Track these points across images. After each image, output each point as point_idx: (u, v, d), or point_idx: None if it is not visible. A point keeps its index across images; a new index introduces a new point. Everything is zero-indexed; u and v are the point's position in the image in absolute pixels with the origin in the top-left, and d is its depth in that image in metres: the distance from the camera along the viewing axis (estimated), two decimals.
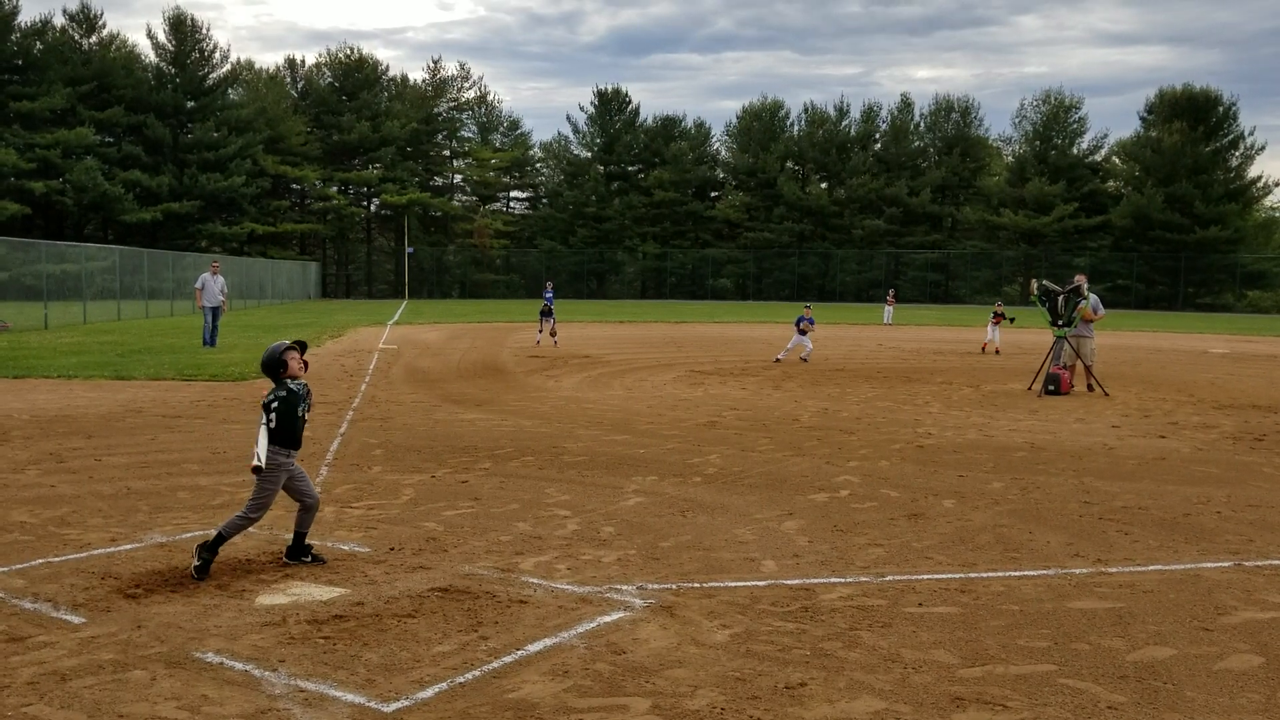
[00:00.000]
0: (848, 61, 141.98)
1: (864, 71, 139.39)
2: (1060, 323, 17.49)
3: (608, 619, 5.60)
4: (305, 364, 6.64)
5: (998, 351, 26.37)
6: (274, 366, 6.51)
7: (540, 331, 27.41)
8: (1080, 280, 17.53)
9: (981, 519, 8.09)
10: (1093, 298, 17.70)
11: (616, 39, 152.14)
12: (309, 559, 6.55)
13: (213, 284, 25.16)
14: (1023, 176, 76.52)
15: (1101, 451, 11.41)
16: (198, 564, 6.20)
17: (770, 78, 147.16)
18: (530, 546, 7.09)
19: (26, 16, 75.50)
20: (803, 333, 22.91)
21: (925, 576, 6.52)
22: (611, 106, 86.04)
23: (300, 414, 6.48)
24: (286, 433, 6.41)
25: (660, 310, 55.90)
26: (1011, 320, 28.04)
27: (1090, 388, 17.44)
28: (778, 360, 22.86)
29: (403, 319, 41.54)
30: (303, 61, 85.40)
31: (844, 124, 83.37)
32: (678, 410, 14.48)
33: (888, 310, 43.87)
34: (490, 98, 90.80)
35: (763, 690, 4.67)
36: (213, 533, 6.47)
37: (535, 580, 6.29)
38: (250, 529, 6.64)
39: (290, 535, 6.71)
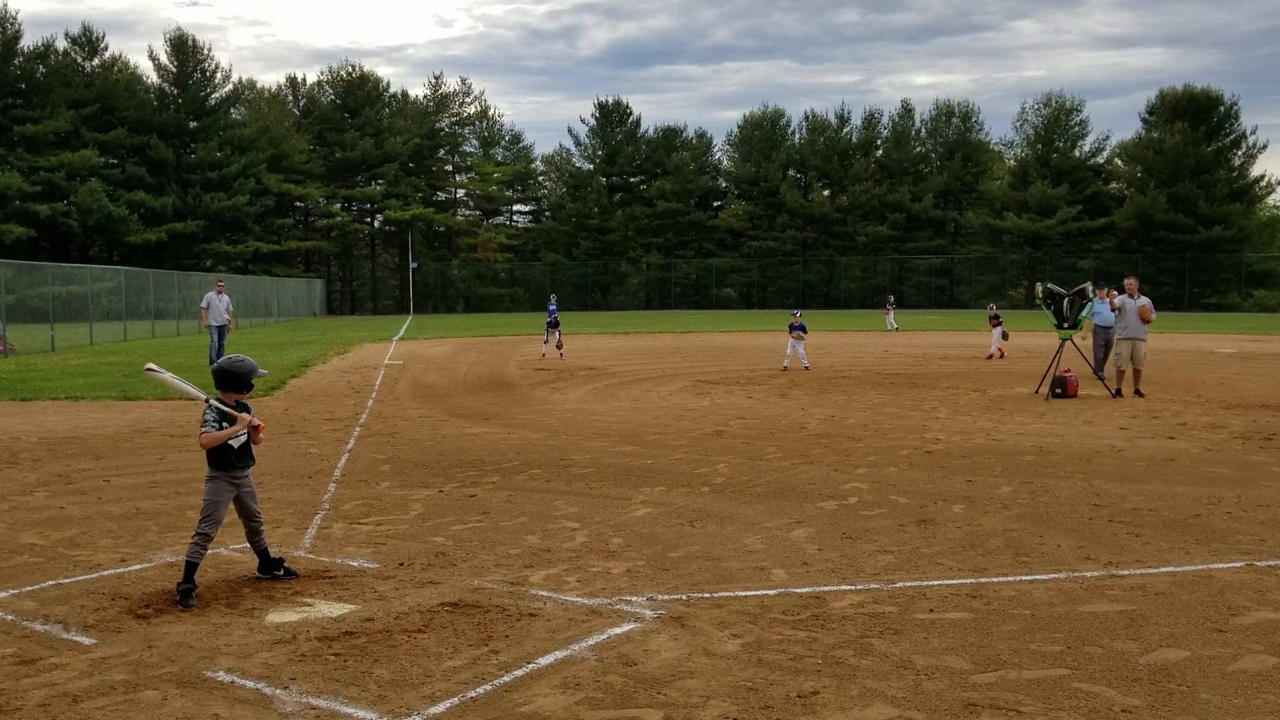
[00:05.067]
0: (847, 69, 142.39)
1: (863, 79, 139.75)
2: (1066, 325, 17.46)
3: (618, 631, 5.59)
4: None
5: (1002, 355, 26.23)
6: (244, 383, 6.38)
7: (546, 344, 27.42)
8: (1129, 284, 17.43)
9: (991, 524, 8.06)
10: (1144, 299, 17.43)
11: (616, 52, 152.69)
12: (281, 573, 6.53)
13: (218, 303, 25.23)
14: (1025, 180, 76.53)
15: (1110, 454, 11.38)
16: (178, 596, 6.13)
17: (770, 87, 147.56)
18: (539, 559, 7.08)
19: (29, 40, 75.76)
20: (797, 339, 23.12)
21: (936, 582, 6.50)
22: (612, 118, 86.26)
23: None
24: (224, 455, 6.31)
25: (665, 321, 55.91)
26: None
27: (1138, 392, 17.03)
28: (784, 369, 22.91)
29: (408, 334, 41.59)
30: (304, 80, 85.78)
31: (845, 131, 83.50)
32: (685, 420, 14.47)
33: (889, 317, 43.81)
34: (491, 112, 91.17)
35: (775, 699, 4.65)
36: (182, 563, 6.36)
37: (545, 593, 6.28)
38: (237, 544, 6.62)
39: (305, 554, 6.70)
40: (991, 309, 28.50)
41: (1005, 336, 26.80)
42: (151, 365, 6.59)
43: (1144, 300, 17.31)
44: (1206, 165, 70.99)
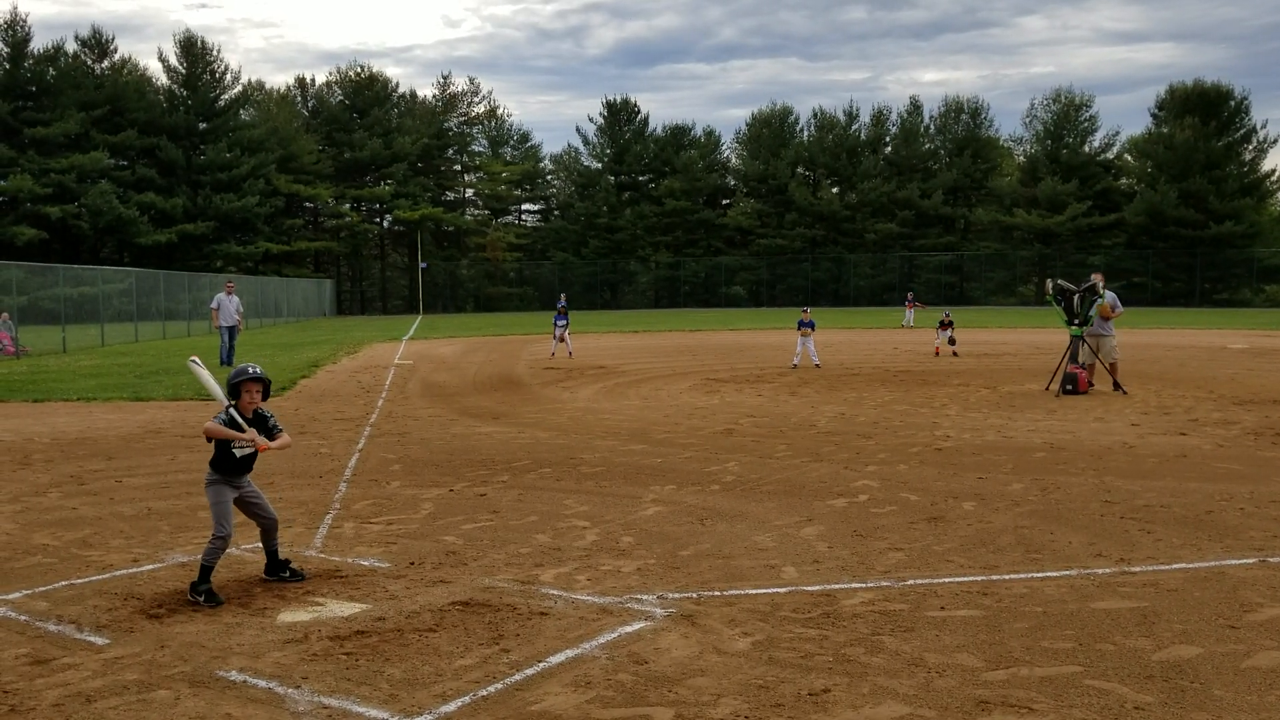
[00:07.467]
0: (854, 67, 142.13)
1: (871, 76, 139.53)
2: (1076, 321, 17.41)
3: (629, 629, 5.59)
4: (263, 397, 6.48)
5: (937, 354, 26.20)
6: (233, 390, 6.39)
7: (556, 343, 27.50)
8: (1097, 279, 17.42)
9: (1002, 521, 8.05)
10: (1109, 295, 17.55)
11: (623, 51, 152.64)
12: (287, 574, 6.55)
13: (228, 303, 25.31)
14: (1035, 176, 76.32)
15: (1121, 450, 11.34)
16: (203, 598, 6.13)
17: (778, 85, 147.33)
18: (550, 558, 7.09)
19: (39, 43, 76.02)
20: (805, 336, 23.05)
21: (947, 580, 6.48)
22: (620, 117, 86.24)
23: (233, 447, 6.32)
24: (225, 460, 6.34)
25: (674, 319, 55.88)
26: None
27: (1116, 386, 17.17)
28: (794, 366, 22.88)
29: (418, 334, 41.65)
30: (313, 81, 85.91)
31: (854, 128, 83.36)
32: (694, 419, 14.47)
33: (909, 314, 43.57)
34: (500, 112, 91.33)
35: (786, 697, 4.65)
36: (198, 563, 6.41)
37: (555, 592, 6.28)
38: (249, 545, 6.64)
39: (313, 554, 6.72)
40: (946, 314, 28.49)
41: (944, 332, 26.97)
42: (195, 359, 6.75)
43: (1108, 296, 17.43)
44: (1217, 160, 70.69)
